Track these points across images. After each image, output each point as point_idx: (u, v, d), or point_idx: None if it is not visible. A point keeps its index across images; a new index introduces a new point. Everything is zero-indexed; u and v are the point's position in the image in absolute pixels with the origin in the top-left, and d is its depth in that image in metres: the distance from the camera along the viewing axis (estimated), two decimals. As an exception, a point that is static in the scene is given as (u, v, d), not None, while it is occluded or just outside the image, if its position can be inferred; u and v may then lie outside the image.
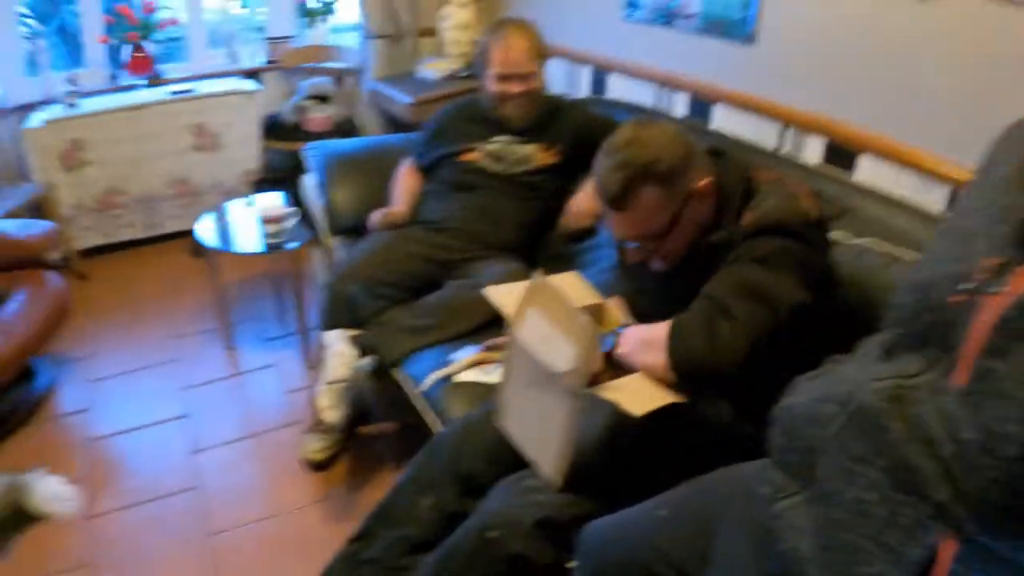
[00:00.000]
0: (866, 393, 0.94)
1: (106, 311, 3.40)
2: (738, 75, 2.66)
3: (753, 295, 1.42)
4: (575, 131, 2.64)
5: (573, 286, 1.79)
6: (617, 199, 1.52)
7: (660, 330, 1.48)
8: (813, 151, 2.40)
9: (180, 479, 2.44)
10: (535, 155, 2.62)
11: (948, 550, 0.83)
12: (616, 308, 1.74)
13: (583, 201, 2.54)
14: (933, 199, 2.03)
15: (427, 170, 2.78)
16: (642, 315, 1.70)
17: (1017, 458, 0.76)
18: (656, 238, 1.56)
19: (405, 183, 2.79)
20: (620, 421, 1.57)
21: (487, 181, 2.62)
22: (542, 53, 2.60)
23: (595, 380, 1.49)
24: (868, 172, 2.25)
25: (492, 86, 2.56)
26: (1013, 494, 0.77)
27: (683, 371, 1.44)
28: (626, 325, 1.62)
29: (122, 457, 2.54)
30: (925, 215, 1.89)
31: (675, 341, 1.44)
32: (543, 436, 1.55)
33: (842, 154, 2.32)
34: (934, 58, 1.98)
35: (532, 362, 1.52)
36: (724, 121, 2.74)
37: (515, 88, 2.54)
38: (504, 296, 1.69)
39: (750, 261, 1.47)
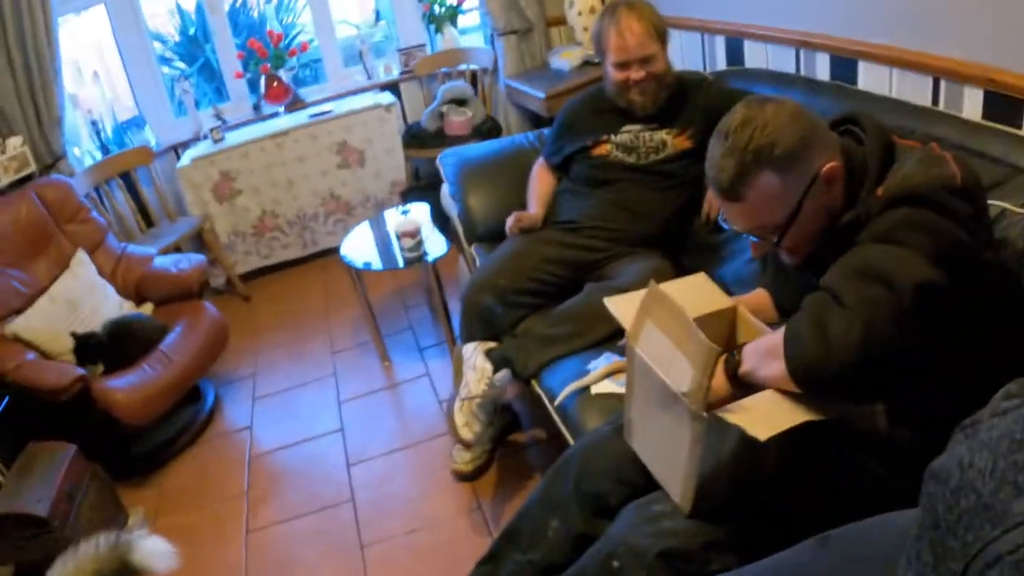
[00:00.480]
0: None
1: (268, 330, 3.58)
2: (881, 27, 2.43)
3: (867, 277, 1.23)
4: (707, 111, 2.51)
5: (699, 290, 1.70)
6: (729, 189, 1.38)
7: (779, 337, 1.33)
8: (972, 105, 2.14)
9: (336, 492, 2.53)
10: (668, 141, 2.51)
11: None
12: (748, 311, 1.63)
13: None
14: None
15: (560, 168, 2.73)
16: (788, 307, 1.58)
17: None
18: (777, 229, 1.41)
19: (538, 184, 2.75)
20: (751, 445, 1.47)
21: (622, 174, 2.54)
22: (661, 32, 2.45)
23: (723, 401, 1.40)
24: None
25: (613, 74, 2.46)
26: None
27: (801, 377, 1.27)
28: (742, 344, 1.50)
29: (283, 472, 2.67)
30: None
31: (789, 344, 1.28)
32: (669, 458, 1.48)
33: (1006, 106, 2.05)
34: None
35: (653, 378, 1.45)
36: (872, 80, 2.53)
37: (637, 74, 2.42)
38: (625, 307, 1.63)
39: (871, 240, 1.29)
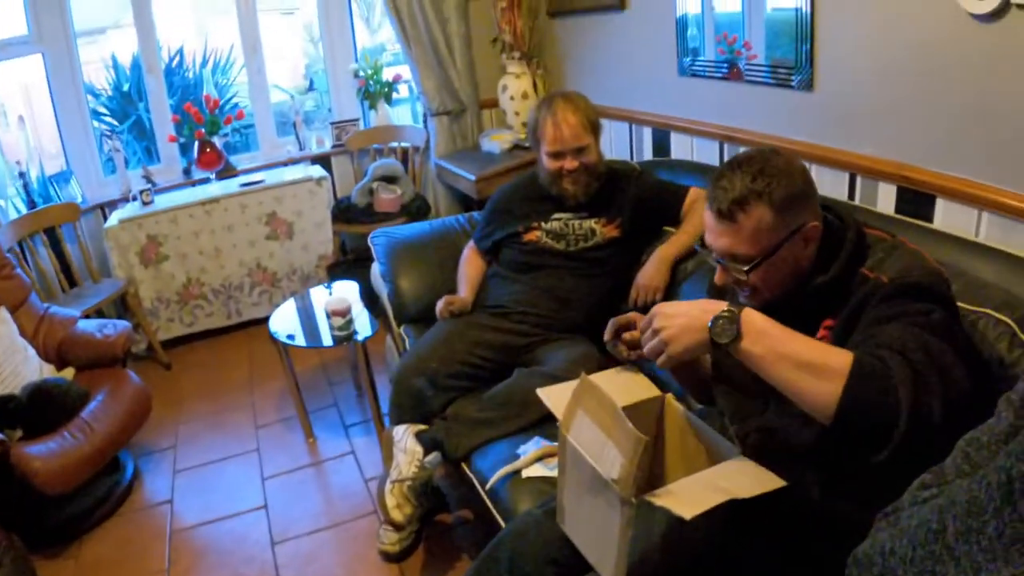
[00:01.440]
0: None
1: (190, 401, 3.53)
2: (800, 124, 2.61)
3: (940, 362, 1.25)
4: (635, 202, 2.63)
5: (628, 380, 1.77)
6: (727, 209, 1.48)
7: (830, 355, 1.28)
8: (886, 199, 2.33)
9: (260, 571, 2.48)
10: (597, 230, 2.62)
11: None
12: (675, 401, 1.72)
13: (651, 274, 2.53)
14: (1022, 243, 1.93)
15: (490, 252, 2.80)
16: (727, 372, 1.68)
17: None
18: (749, 262, 1.50)
19: (468, 268, 2.81)
20: (680, 525, 1.55)
21: (551, 260, 2.63)
22: (595, 125, 2.58)
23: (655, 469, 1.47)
24: (947, 218, 2.16)
25: (547, 163, 2.56)
26: None
27: (848, 410, 1.23)
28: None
29: (205, 549, 2.60)
30: (1020, 261, 1.76)
31: (859, 374, 1.23)
32: (601, 540, 1.54)
33: (917, 201, 2.23)
34: (1007, 84, 1.87)
35: (583, 465, 1.51)
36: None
37: (570, 164, 2.53)
38: (556, 396, 1.69)
39: (913, 324, 1.31)
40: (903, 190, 2.27)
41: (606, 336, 1.68)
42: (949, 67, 2.03)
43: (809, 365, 1.28)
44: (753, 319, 1.34)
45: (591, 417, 1.50)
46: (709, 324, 1.34)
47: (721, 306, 1.36)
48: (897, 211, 2.28)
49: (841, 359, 1.25)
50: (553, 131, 2.51)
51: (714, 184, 1.52)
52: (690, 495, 1.40)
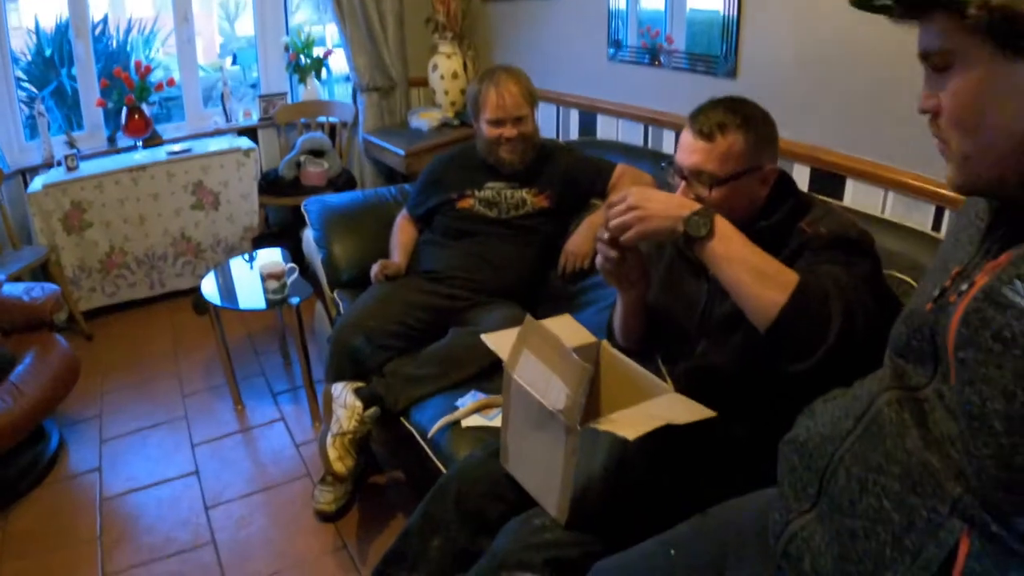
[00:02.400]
0: (883, 406, 1.02)
1: (114, 371, 3.45)
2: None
3: (864, 300, 1.41)
4: (565, 175, 2.72)
5: (566, 327, 1.84)
6: (708, 131, 1.61)
7: (782, 269, 1.42)
8: (800, 180, 2.46)
9: (195, 534, 2.47)
10: (528, 200, 2.68)
11: (965, 546, 0.88)
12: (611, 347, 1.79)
13: (579, 242, 2.61)
14: (921, 218, 2.12)
15: (423, 219, 2.85)
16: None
17: (1004, 432, 0.82)
18: (713, 182, 1.61)
19: (401, 235, 2.85)
20: (621, 455, 1.63)
21: (483, 227, 2.69)
22: (533, 97, 2.68)
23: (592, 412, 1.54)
24: (856, 197, 2.32)
25: (487, 131, 2.63)
26: (1008, 467, 0.83)
27: (786, 321, 1.36)
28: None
29: (136, 515, 2.57)
30: (920, 235, 1.95)
31: (801, 291, 1.36)
32: (545, 474, 1.61)
33: (829, 181, 2.39)
34: (909, 77, 2.02)
35: (529, 401, 1.57)
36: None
37: (510, 132, 2.60)
38: (501, 340, 1.75)
39: (844, 272, 1.46)
40: (816, 171, 2.44)
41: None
42: (858, 60, 2.20)
43: (763, 273, 1.41)
44: (723, 222, 1.45)
45: (535, 354, 1.57)
46: (684, 216, 1.44)
47: (694, 205, 1.47)
48: (811, 190, 2.43)
49: (790, 275, 1.40)
50: (496, 99, 2.59)
51: (698, 111, 1.66)
52: (631, 421, 1.47)
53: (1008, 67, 0.86)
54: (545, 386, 1.54)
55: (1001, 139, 0.90)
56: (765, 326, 1.39)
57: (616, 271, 1.67)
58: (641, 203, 1.48)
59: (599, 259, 1.65)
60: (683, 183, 1.66)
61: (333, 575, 2.32)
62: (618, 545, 1.50)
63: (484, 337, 1.79)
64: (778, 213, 1.65)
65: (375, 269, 2.69)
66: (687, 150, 1.65)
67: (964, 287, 0.93)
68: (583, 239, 2.60)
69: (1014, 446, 0.81)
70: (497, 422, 2.14)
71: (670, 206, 1.48)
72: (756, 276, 1.41)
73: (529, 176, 2.70)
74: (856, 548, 1.00)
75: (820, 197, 1.75)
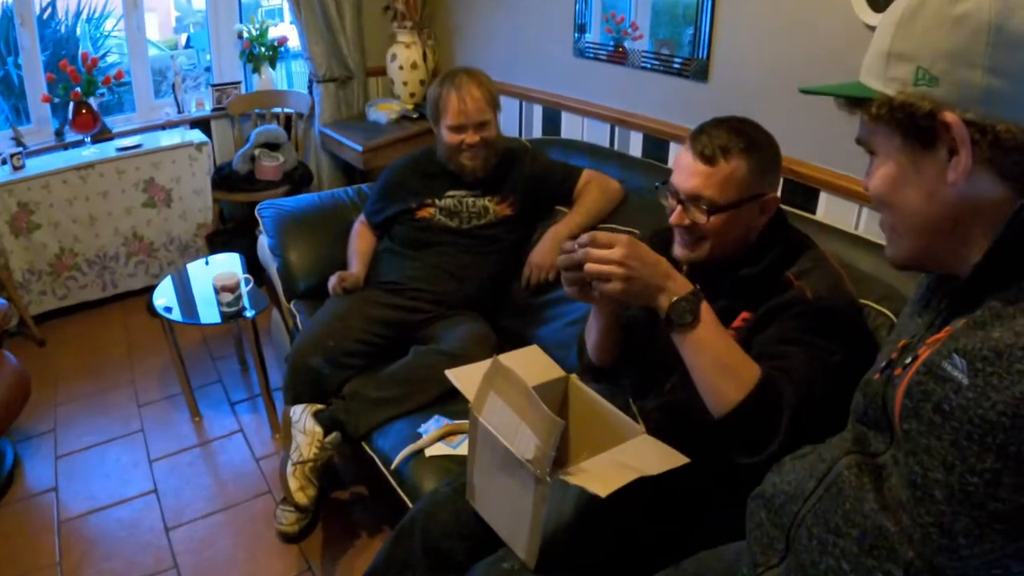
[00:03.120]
0: (843, 469, 1.04)
1: (68, 380, 3.36)
2: (694, 113, 2.67)
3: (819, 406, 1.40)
4: (528, 181, 2.67)
5: (534, 361, 1.82)
6: (711, 154, 1.56)
7: (745, 365, 1.42)
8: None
9: (157, 558, 2.41)
10: (491, 208, 2.64)
11: None
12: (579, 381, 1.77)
13: (543, 254, 2.57)
14: None
15: (381, 227, 2.79)
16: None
17: (944, 500, 0.86)
18: (711, 208, 1.57)
19: (359, 243, 2.79)
20: (591, 499, 1.61)
21: (444, 237, 2.64)
22: (496, 101, 2.62)
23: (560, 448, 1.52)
24: (830, 211, 2.30)
25: (447, 137, 2.56)
26: (949, 535, 0.86)
27: (741, 419, 1.39)
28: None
29: (97, 538, 2.50)
30: None
31: (761, 391, 1.38)
32: (514, 517, 1.59)
33: (802, 194, 2.37)
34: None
35: (496, 445, 1.55)
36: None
37: (472, 138, 2.54)
38: (465, 378, 1.72)
39: (815, 359, 1.46)
40: (789, 182, 2.40)
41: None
42: (839, 71, 2.12)
43: (727, 367, 1.41)
44: (707, 309, 1.43)
45: (503, 399, 1.54)
46: (671, 297, 1.41)
47: (682, 282, 1.43)
48: (783, 202, 2.38)
49: (752, 370, 1.40)
50: (458, 104, 2.52)
51: (699, 131, 1.61)
52: (602, 473, 1.45)
53: (916, 157, 0.94)
54: (513, 433, 1.51)
55: (917, 219, 0.97)
56: (717, 417, 1.41)
57: (583, 292, 1.60)
58: (629, 262, 1.40)
59: (564, 277, 1.58)
60: (679, 207, 1.62)
61: (299, 599, 2.29)
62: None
63: (449, 373, 1.76)
64: (765, 260, 1.61)
65: (333, 282, 2.63)
66: (686, 172, 1.60)
67: (908, 360, 0.98)
68: (548, 250, 2.56)
69: (954, 514, 0.85)
70: (461, 450, 2.11)
71: (657, 274, 1.43)
72: (720, 368, 1.41)
73: (491, 183, 2.65)
74: None
75: (799, 236, 1.70)
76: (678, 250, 1.66)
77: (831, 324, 1.51)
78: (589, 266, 1.43)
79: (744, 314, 1.60)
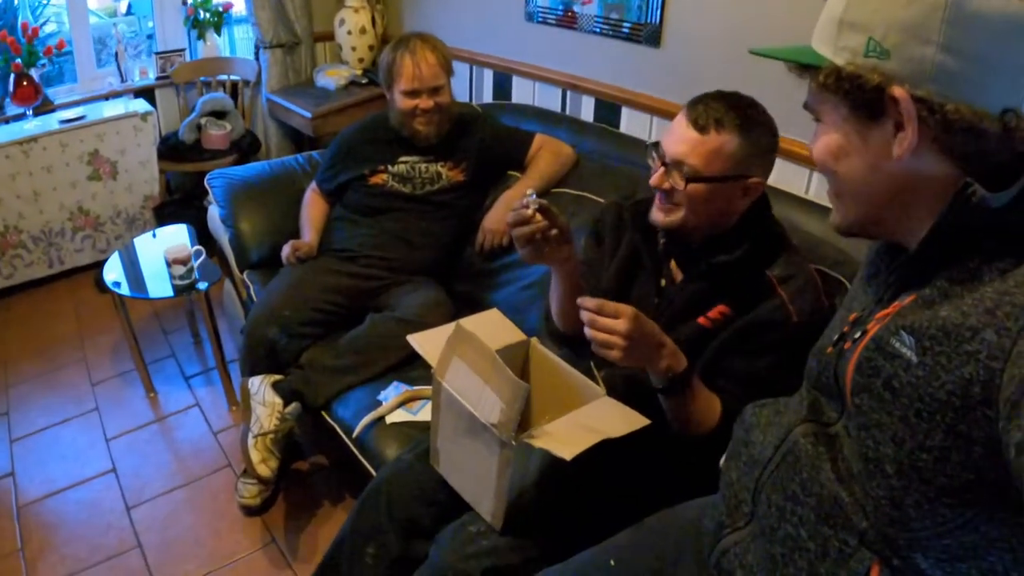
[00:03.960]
0: (799, 437, 1.05)
1: (18, 361, 3.28)
2: (645, 78, 2.69)
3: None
4: (481, 147, 2.65)
5: (495, 325, 1.81)
6: (704, 123, 1.54)
7: (710, 416, 1.55)
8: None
9: (120, 538, 2.38)
10: (443, 174, 2.62)
11: (875, 575, 0.93)
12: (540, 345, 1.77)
13: (496, 219, 2.56)
14: None
15: (333, 194, 2.76)
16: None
17: (895, 475, 0.88)
18: (693, 176, 1.55)
19: (312, 211, 2.76)
20: (554, 459, 1.62)
21: (397, 203, 2.62)
22: (450, 66, 2.59)
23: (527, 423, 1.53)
24: (782, 176, 2.29)
25: (401, 102, 2.53)
26: (899, 508, 0.88)
27: (703, 443, 1.53)
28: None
29: (58, 522, 2.46)
30: None
31: (723, 425, 1.50)
32: (479, 481, 1.60)
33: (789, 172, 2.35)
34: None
35: (460, 409, 1.55)
36: (633, 125, 2.78)
37: (426, 103, 2.51)
38: (427, 343, 1.71)
39: (785, 355, 1.52)
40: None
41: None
42: (793, 37, 2.10)
43: (696, 422, 1.54)
44: (696, 384, 1.52)
45: (467, 364, 1.54)
46: (669, 377, 1.49)
47: (678, 357, 1.49)
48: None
49: (716, 411, 1.54)
50: (412, 69, 2.48)
51: (698, 100, 1.58)
52: (566, 436, 1.46)
53: (861, 128, 0.93)
54: (477, 397, 1.51)
55: (860, 188, 0.97)
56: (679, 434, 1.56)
57: (536, 253, 1.63)
58: (632, 335, 1.40)
59: (516, 239, 1.61)
60: (661, 169, 1.60)
61: (265, 570, 2.28)
62: (556, 550, 1.52)
63: (411, 338, 1.75)
64: (741, 249, 1.59)
65: (286, 251, 2.60)
66: (676, 137, 1.58)
67: (858, 335, 0.99)
68: (501, 215, 2.55)
69: (904, 488, 0.87)
70: (422, 416, 2.12)
71: (655, 349, 1.46)
72: (688, 420, 1.55)
73: (444, 149, 2.63)
74: (778, 573, 1.05)
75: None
76: (653, 212, 1.65)
77: (812, 331, 1.52)
78: (593, 333, 1.43)
79: (721, 307, 1.60)
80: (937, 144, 0.87)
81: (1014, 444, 0.72)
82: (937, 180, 0.90)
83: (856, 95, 0.90)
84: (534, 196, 1.58)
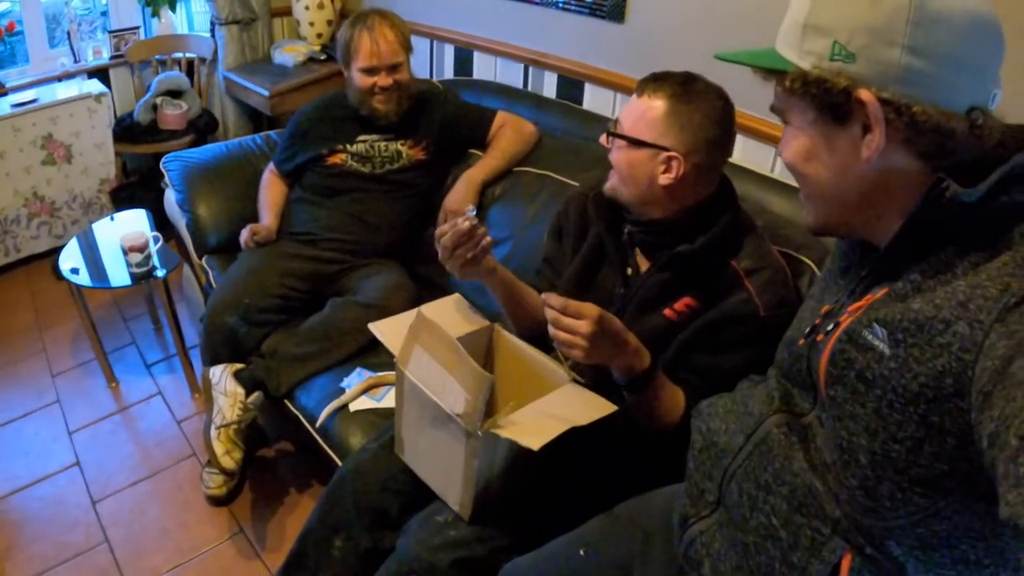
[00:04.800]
0: (772, 427, 1.06)
1: (-26, 352, 3.20)
2: (609, 54, 2.65)
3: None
4: (442, 125, 2.61)
5: (457, 310, 1.80)
6: (642, 87, 1.55)
7: (675, 412, 1.54)
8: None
9: (87, 534, 2.34)
10: (403, 152, 2.58)
11: (847, 563, 0.94)
12: (503, 329, 1.75)
13: (458, 199, 2.52)
14: None
15: (291, 175, 2.71)
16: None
17: (869, 465, 0.88)
18: (609, 133, 1.58)
19: (270, 193, 2.71)
20: (521, 451, 1.60)
21: (356, 183, 2.57)
22: (409, 43, 2.53)
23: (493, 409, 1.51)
24: (746, 154, 2.29)
25: (359, 80, 2.48)
26: (874, 498, 0.88)
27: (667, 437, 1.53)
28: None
29: (22, 519, 2.41)
30: None
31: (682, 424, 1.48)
32: (445, 470, 1.58)
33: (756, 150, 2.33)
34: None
35: (425, 400, 1.53)
36: (597, 102, 2.75)
37: (384, 81, 2.46)
38: (389, 331, 1.69)
39: (752, 351, 1.50)
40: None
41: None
42: (761, 17, 2.08)
43: (659, 418, 1.54)
44: (659, 378, 1.51)
45: (430, 353, 1.52)
46: (631, 376, 1.48)
47: (642, 355, 1.47)
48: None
49: (676, 415, 1.53)
50: (370, 46, 2.43)
51: (654, 73, 1.57)
52: (533, 425, 1.45)
53: (829, 131, 0.93)
54: (441, 387, 1.49)
55: (830, 190, 0.97)
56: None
57: (469, 271, 1.68)
58: (595, 338, 1.39)
59: (439, 251, 1.64)
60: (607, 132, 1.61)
61: (235, 562, 2.26)
62: (525, 539, 1.51)
63: (372, 327, 1.73)
64: (704, 237, 1.56)
65: (244, 235, 2.54)
66: (633, 104, 1.59)
67: (830, 327, 1.00)
68: (463, 195, 2.50)
69: (878, 478, 0.87)
70: (386, 403, 2.10)
71: (615, 352, 1.45)
72: (652, 414, 1.53)
73: (404, 127, 2.58)
74: (749, 561, 1.05)
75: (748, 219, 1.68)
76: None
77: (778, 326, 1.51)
78: (557, 334, 1.42)
79: (688, 299, 1.58)
80: (906, 144, 0.88)
81: (986, 435, 0.72)
82: (906, 179, 0.91)
83: (823, 99, 0.90)
84: (474, 212, 1.61)
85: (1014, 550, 0.86)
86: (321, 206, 2.58)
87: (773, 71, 0.96)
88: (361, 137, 2.57)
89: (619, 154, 1.57)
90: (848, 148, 0.92)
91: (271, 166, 2.76)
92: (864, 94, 0.86)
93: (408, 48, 2.52)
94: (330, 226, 2.53)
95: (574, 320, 1.39)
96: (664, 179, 1.55)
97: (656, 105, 1.52)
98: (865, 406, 0.88)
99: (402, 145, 2.57)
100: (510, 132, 2.59)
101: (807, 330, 1.05)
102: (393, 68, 2.47)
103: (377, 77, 2.46)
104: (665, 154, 1.53)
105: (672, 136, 1.52)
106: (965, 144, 0.86)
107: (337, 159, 2.58)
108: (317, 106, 2.70)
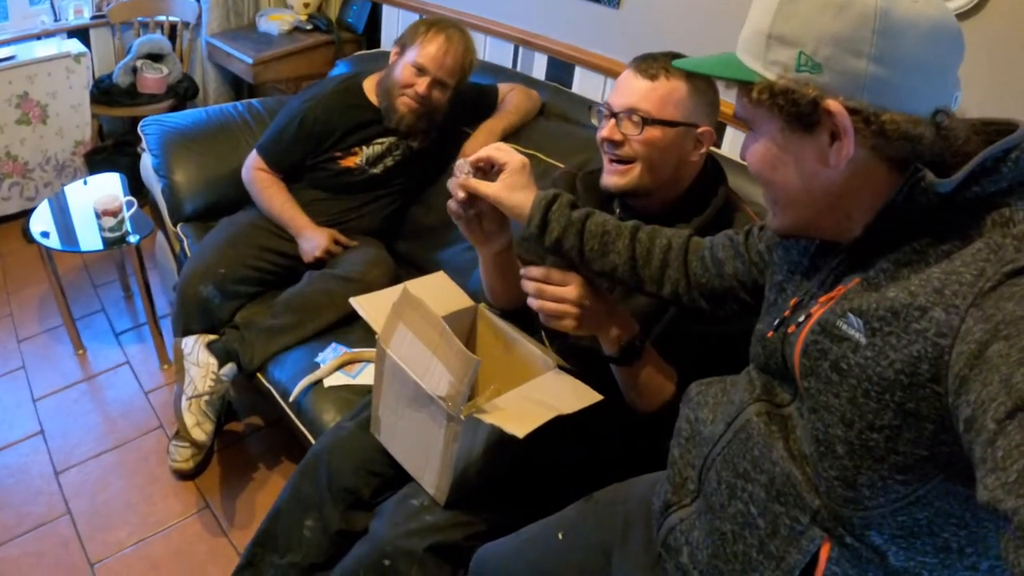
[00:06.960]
0: (752, 416, 1.05)
1: (-62, 314, 3.11)
2: (602, 39, 2.62)
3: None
4: (453, 110, 2.48)
5: (441, 289, 1.75)
6: (654, 71, 1.52)
7: (665, 390, 1.49)
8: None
9: (48, 505, 2.28)
10: (412, 147, 2.50)
11: (825, 552, 0.93)
12: (487, 311, 1.71)
13: (476, 145, 2.35)
14: None
15: (285, 170, 2.53)
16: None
17: (846, 455, 0.88)
18: (645, 122, 1.51)
19: (281, 195, 2.49)
20: (502, 436, 1.56)
21: (364, 184, 2.50)
22: (467, 74, 2.43)
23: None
24: (735, 145, 2.27)
25: (402, 72, 2.35)
26: (852, 487, 0.88)
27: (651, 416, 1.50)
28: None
29: (-18, 488, 2.34)
30: None
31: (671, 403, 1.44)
32: (423, 453, 1.54)
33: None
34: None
35: (405, 379, 1.49)
36: (587, 85, 2.71)
37: (423, 88, 2.33)
38: (371, 306, 1.64)
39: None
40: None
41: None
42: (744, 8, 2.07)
43: (650, 394, 1.49)
44: (649, 350, 1.46)
45: (414, 332, 1.47)
46: (621, 344, 1.43)
47: (630, 322, 1.44)
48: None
49: (670, 385, 1.48)
50: (436, 50, 2.32)
51: (643, 56, 1.55)
52: (518, 412, 1.41)
53: (796, 140, 0.92)
54: (424, 367, 1.45)
55: (796, 196, 0.97)
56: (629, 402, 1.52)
57: (468, 225, 1.55)
58: (583, 302, 1.37)
59: (450, 203, 1.51)
60: (611, 121, 1.55)
61: (199, 537, 2.21)
62: (502, 525, 1.48)
63: (354, 302, 1.67)
64: (696, 219, 1.57)
65: (317, 253, 2.39)
66: (623, 90, 1.55)
67: (801, 318, 1.00)
68: (483, 142, 2.39)
69: (856, 468, 0.87)
70: (362, 379, 2.05)
71: (603, 319, 1.42)
72: (643, 390, 1.48)
73: (416, 130, 2.45)
74: (727, 550, 1.05)
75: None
76: (606, 178, 1.59)
77: None
78: (543, 304, 1.39)
79: None
80: (874, 152, 0.88)
81: (963, 420, 0.73)
82: (875, 183, 0.91)
83: (790, 109, 0.90)
84: (469, 171, 1.48)
85: (995, 537, 0.85)
86: (318, 200, 2.50)
87: (739, 82, 0.95)
88: (379, 140, 2.47)
89: (650, 139, 1.52)
90: (815, 155, 0.91)
91: (259, 162, 2.52)
92: (833, 105, 0.86)
93: (463, 77, 2.42)
94: (317, 211, 2.47)
95: (559, 288, 1.37)
96: (694, 156, 1.56)
97: (678, 86, 1.51)
98: (840, 396, 0.88)
99: (412, 142, 2.49)
100: (520, 94, 2.57)
101: (775, 323, 1.06)
102: (438, 83, 2.35)
103: (422, 79, 2.34)
104: (697, 130, 1.54)
105: (700, 112, 1.55)
106: (932, 148, 0.86)
107: (351, 162, 2.46)
108: (328, 105, 2.48)
